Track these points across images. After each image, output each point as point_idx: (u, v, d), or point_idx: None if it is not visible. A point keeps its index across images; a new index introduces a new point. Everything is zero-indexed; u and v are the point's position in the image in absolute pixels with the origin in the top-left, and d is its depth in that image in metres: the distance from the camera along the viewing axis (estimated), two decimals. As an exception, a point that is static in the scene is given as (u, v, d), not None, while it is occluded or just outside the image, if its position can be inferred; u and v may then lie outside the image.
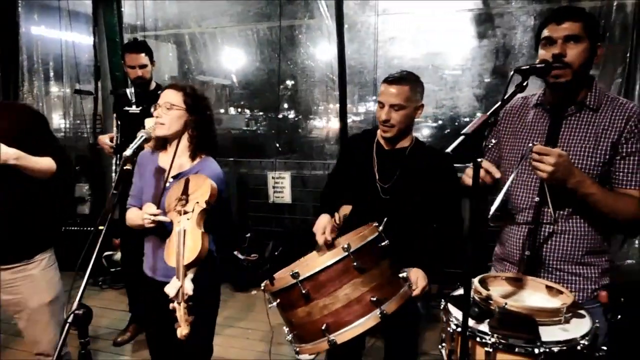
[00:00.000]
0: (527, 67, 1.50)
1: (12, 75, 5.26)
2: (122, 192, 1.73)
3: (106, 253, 4.56)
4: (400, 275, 1.81)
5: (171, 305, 1.70)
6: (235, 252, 4.58)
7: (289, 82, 5.37)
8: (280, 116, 5.63)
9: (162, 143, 2.09)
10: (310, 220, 2.22)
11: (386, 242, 1.77)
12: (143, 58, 3.29)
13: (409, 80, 2.06)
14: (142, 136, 1.98)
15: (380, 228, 1.79)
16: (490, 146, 1.92)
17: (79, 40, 5.19)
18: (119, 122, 3.41)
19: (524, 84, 1.46)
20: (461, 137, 1.28)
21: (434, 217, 2.11)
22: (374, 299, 1.63)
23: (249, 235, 4.73)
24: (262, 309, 1.73)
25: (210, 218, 1.89)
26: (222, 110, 6.24)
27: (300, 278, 1.62)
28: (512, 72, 1.47)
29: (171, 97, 2.00)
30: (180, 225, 1.78)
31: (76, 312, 1.54)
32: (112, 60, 4.94)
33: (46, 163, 2.03)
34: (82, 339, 1.63)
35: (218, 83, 6.01)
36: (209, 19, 5.25)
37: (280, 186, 4.75)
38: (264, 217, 4.91)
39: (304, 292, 1.62)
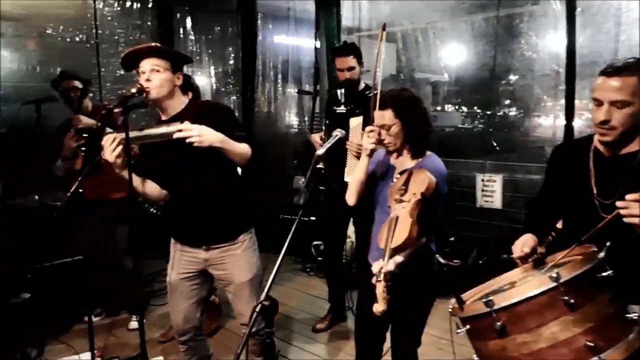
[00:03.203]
0: None
1: (250, 78, 6.08)
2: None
3: (315, 242, 4.89)
4: (628, 316, 1.45)
5: (373, 279, 1.76)
6: (437, 255, 4.42)
7: (510, 77, 4.93)
8: (500, 113, 5.22)
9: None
10: (521, 229, 2.00)
11: (609, 272, 1.43)
12: (351, 60, 3.34)
13: (635, 69, 1.56)
14: (336, 135, 2.10)
15: (601, 255, 1.45)
16: None
17: (302, 44, 5.68)
18: (327, 121, 3.57)
19: None
20: None
21: None
22: (591, 344, 1.34)
23: (452, 239, 4.51)
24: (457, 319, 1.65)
25: (430, 215, 2.00)
26: (438, 108, 6.12)
27: (495, 307, 1.43)
28: None
29: (387, 119, 2.12)
30: (395, 212, 1.92)
31: (263, 302, 1.65)
32: (330, 62, 5.25)
33: (244, 148, 2.21)
34: (267, 329, 1.74)
35: (435, 80, 5.89)
36: (421, 14, 5.14)
37: (490, 190, 4.40)
38: (469, 221, 4.61)
39: (498, 324, 1.42)
